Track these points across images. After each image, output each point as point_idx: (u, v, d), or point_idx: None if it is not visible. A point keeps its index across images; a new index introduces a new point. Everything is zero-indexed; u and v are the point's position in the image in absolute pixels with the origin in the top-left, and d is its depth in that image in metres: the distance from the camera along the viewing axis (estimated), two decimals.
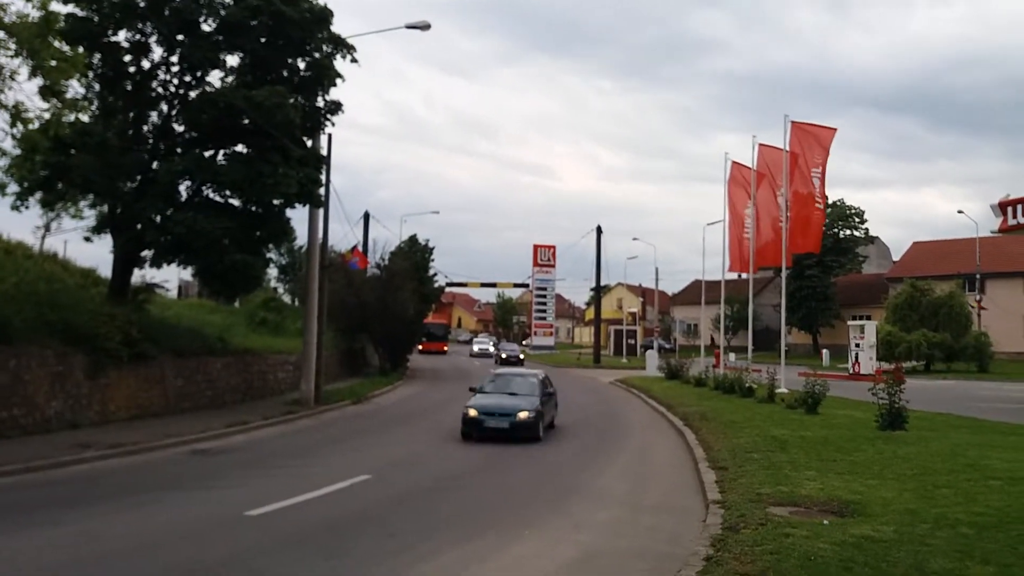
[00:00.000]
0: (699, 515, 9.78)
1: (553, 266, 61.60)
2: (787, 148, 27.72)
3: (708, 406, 21.67)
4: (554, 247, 62.01)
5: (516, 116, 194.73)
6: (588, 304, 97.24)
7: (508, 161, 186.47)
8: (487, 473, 13.28)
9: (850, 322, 44.49)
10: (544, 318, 62.04)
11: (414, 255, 50.34)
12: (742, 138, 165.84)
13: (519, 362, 49.26)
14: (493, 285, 69.98)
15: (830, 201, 55.59)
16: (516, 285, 68.71)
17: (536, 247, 61.44)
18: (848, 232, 66.44)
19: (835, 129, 28.27)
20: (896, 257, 73.06)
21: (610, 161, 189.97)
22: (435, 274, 54.62)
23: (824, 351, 52.48)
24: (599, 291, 60.58)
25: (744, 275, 39.51)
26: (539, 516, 9.83)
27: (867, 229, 68.27)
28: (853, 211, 66.86)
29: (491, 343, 67.95)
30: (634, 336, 68.59)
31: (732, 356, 43.09)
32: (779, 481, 10.83)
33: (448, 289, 61.23)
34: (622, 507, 10.55)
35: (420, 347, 58.38)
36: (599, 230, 56.70)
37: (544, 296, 61.73)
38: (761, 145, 30.01)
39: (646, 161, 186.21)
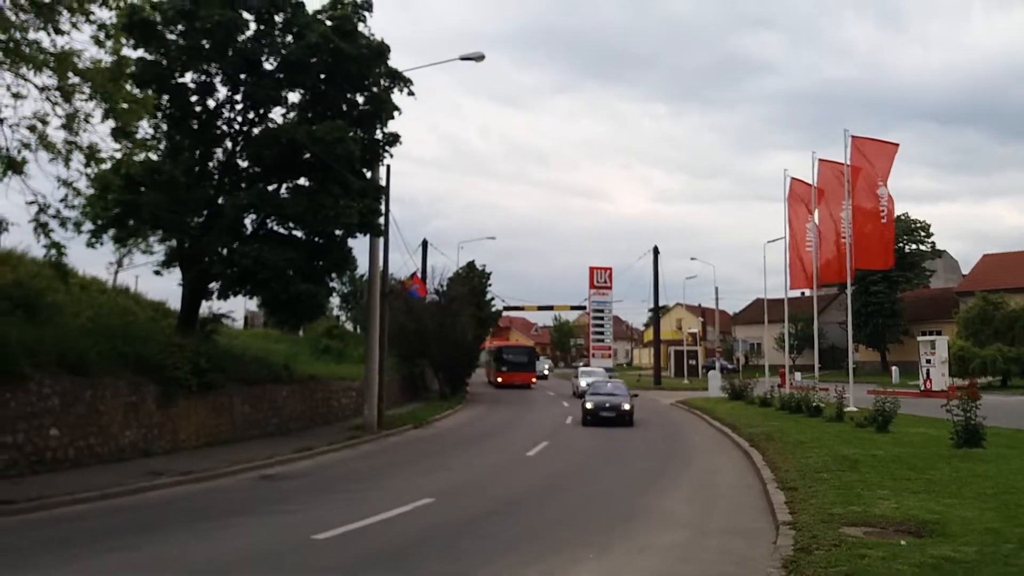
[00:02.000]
0: (769, 537, 9.56)
1: (610, 288, 61.23)
2: (848, 162, 27.19)
3: (774, 426, 21.19)
4: (610, 269, 61.68)
5: (569, 143, 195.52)
6: (647, 325, 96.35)
7: (562, 187, 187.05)
8: (549, 496, 13.20)
9: (920, 338, 43.06)
10: (602, 340, 61.50)
11: (472, 280, 50.68)
12: (798, 156, 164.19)
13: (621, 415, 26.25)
14: (550, 308, 69.96)
15: (895, 216, 54.17)
16: (573, 307, 68.56)
17: (592, 269, 61.15)
18: (914, 246, 64.60)
19: (897, 145, 27.65)
20: (965, 271, 70.62)
21: (664, 183, 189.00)
22: (492, 299, 54.89)
23: (893, 368, 50.91)
24: (658, 312, 60.02)
25: (807, 292, 38.67)
26: (602, 539, 9.71)
27: (933, 243, 66.31)
28: (918, 225, 65.03)
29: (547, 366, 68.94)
30: (695, 357, 67.58)
31: (798, 375, 42.13)
32: (851, 501, 10.52)
33: (505, 313, 61.36)
34: (688, 530, 10.37)
35: (498, 379, 52.11)
36: (656, 251, 56.31)
37: (602, 318, 61.27)
38: (821, 161, 29.50)
39: (700, 182, 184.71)
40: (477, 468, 16.55)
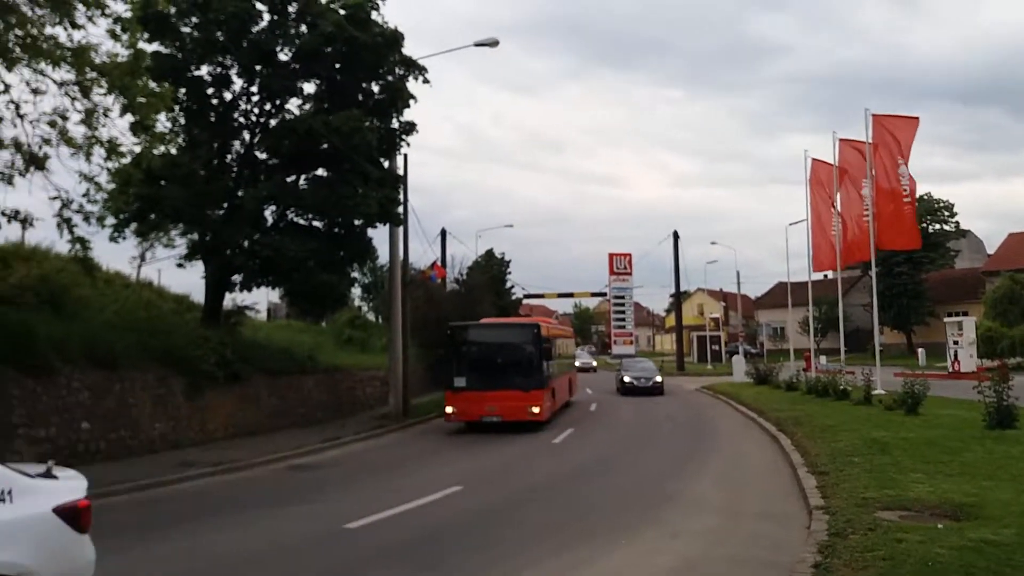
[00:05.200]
0: (802, 521, 9.43)
1: (630, 274, 60.86)
2: (869, 141, 26.78)
3: (802, 410, 20.98)
4: (630, 255, 61.17)
5: (583, 130, 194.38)
6: (668, 311, 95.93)
7: (578, 174, 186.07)
8: (576, 482, 13.14)
9: (946, 319, 42.45)
10: (623, 326, 61.15)
11: (491, 269, 50.69)
12: (816, 138, 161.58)
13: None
14: (570, 295, 69.52)
15: (917, 196, 53.35)
16: (593, 294, 67.99)
17: (611, 256, 60.74)
18: (937, 226, 63.54)
19: (917, 119, 27.12)
20: (990, 250, 69.50)
21: (681, 168, 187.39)
22: (512, 287, 54.87)
23: (920, 350, 50.29)
24: (679, 297, 59.66)
25: (831, 275, 38.22)
26: (633, 525, 9.64)
27: (957, 223, 65.19)
28: (941, 204, 64.00)
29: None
30: (718, 342, 67.17)
31: (823, 359, 41.73)
32: (884, 485, 10.36)
33: (525, 301, 61.24)
34: (719, 514, 10.27)
35: (447, 408, 20.85)
36: (675, 235, 55.91)
37: (622, 304, 60.90)
38: (842, 141, 29.05)
39: (718, 166, 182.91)
40: (503, 456, 16.53)
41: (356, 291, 51.14)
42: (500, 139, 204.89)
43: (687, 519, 9.98)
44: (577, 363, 58.35)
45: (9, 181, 12.88)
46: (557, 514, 10.52)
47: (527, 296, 59.55)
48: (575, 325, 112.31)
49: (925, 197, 61.85)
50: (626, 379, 33.84)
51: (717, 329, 70.92)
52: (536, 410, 19.91)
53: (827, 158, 29.97)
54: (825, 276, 42.54)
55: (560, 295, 66.11)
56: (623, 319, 60.37)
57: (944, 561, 6.80)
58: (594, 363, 61.52)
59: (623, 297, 60.72)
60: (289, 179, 21.36)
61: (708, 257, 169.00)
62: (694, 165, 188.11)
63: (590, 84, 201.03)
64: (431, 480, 12.97)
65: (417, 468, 14.81)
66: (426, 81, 22.50)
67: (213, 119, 20.68)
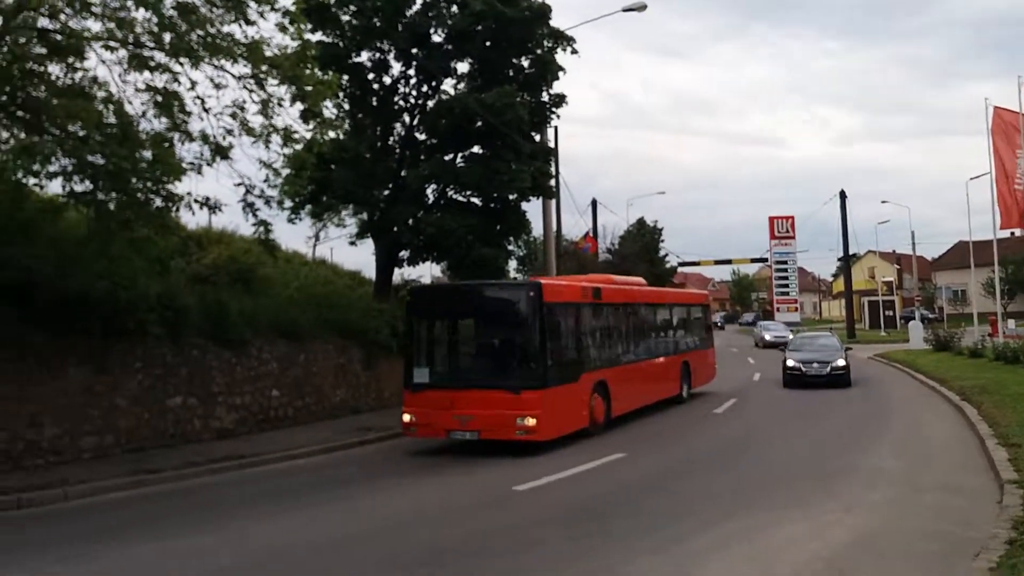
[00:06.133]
0: (992, 495, 8.83)
1: (793, 237, 58.16)
2: None
3: (989, 378, 19.46)
4: (792, 217, 58.47)
5: (736, 90, 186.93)
6: (835, 276, 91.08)
7: (731, 136, 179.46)
8: (740, 453, 12.90)
9: None
10: (787, 293, 58.66)
11: (643, 237, 50.10)
12: (994, 85, 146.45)
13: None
14: (728, 262, 67.58)
15: None
16: (753, 260, 65.69)
17: (772, 219, 58.28)
18: None
19: None
20: None
21: (843, 123, 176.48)
22: (666, 255, 53.96)
23: None
24: (848, 260, 56.42)
25: (1018, 232, 34.89)
26: (804, 496, 9.37)
27: None
28: None
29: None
30: (892, 307, 63.06)
31: (1011, 323, 38.35)
32: None
33: (680, 269, 60.04)
34: (899, 487, 9.79)
35: (403, 415, 13.76)
36: (843, 195, 52.75)
37: (785, 270, 58.40)
38: None
39: (883, 119, 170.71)
40: (665, 424, 16.45)
41: (512, 263, 52.14)
42: (649, 105, 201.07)
43: (863, 492, 9.59)
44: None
45: (199, 171, 14.03)
46: (721, 483, 10.42)
47: (682, 264, 58.39)
48: (733, 293, 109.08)
49: None
50: (790, 363, 22.52)
51: (890, 293, 66.48)
52: (531, 422, 12.40)
53: (1014, 105, 27.25)
54: (1012, 234, 38.79)
55: (717, 262, 64.34)
56: (786, 285, 58.01)
57: None
58: (719, 321, 60.48)
59: (786, 262, 58.29)
60: (447, 158, 22.04)
61: (878, 217, 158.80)
62: (857, 120, 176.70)
63: (741, 42, 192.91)
64: (595, 446, 13.17)
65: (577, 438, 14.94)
66: (574, 52, 22.44)
67: (375, 103, 21.65)
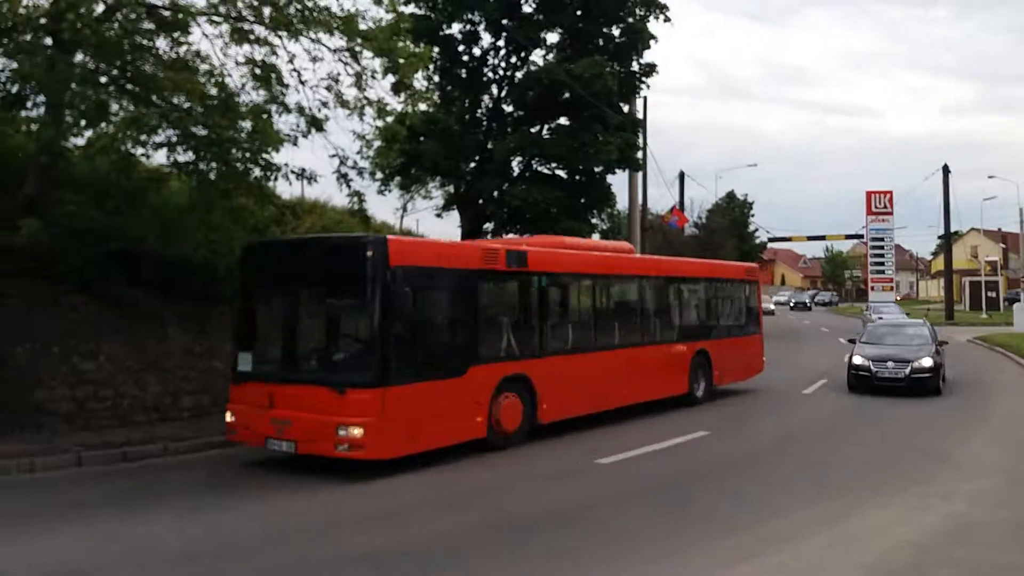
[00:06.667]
0: None
1: (890, 213, 55.69)
2: None
3: None
4: (890, 192, 55.84)
5: (832, 58, 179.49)
6: (935, 254, 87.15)
7: (827, 106, 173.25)
8: (828, 436, 12.58)
9: None
10: (882, 271, 56.28)
11: (732, 211, 49.07)
12: None
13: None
14: (821, 238, 65.07)
15: None
16: (848, 236, 63.15)
17: (869, 194, 55.85)
18: None
19: None
20: None
21: (949, 94, 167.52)
22: (756, 230, 52.69)
23: None
24: (949, 238, 53.85)
25: None
26: (894, 482, 9.10)
27: None
28: None
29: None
30: (995, 288, 59.91)
31: None
32: None
33: (770, 245, 58.52)
34: (998, 476, 9.40)
35: (226, 413, 10.48)
36: (945, 169, 50.21)
37: (881, 247, 56.01)
38: None
39: (995, 89, 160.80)
40: (750, 404, 16.17)
41: (595, 237, 51.90)
42: (740, 74, 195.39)
43: (959, 480, 9.25)
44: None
45: (295, 142, 14.46)
46: (806, 466, 10.23)
47: (772, 239, 56.86)
48: (826, 271, 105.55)
49: None
50: (858, 359, 17.16)
51: (994, 274, 63.12)
52: (357, 433, 9.00)
53: None
54: None
55: (810, 238, 62.16)
56: (882, 263, 55.76)
57: None
58: (771, 306, 56.49)
59: (882, 239, 55.99)
60: (533, 130, 22.07)
61: (984, 193, 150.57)
62: (965, 90, 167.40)
63: (839, 8, 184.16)
64: (679, 422, 13.12)
65: (662, 410, 14.82)
66: (667, 20, 22.05)
67: (464, 75, 21.83)
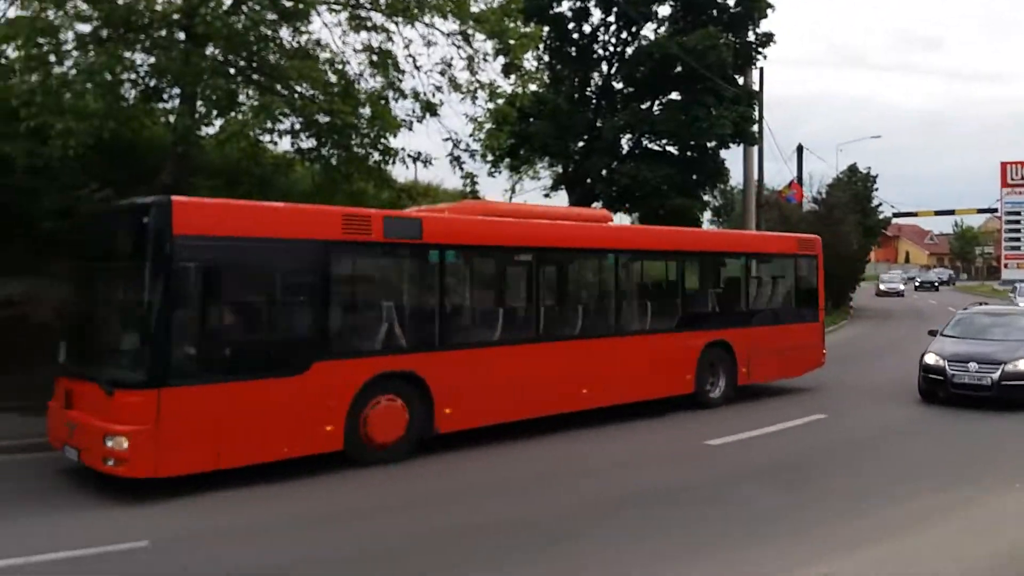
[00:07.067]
0: None
1: None
2: None
3: None
4: None
5: (966, 21, 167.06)
6: None
7: (959, 73, 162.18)
8: (957, 422, 11.92)
9: None
10: (1018, 247, 52.46)
11: (854, 185, 46.80)
12: None
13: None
14: (951, 212, 61.28)
15: None
16: (980, 211, 59.29)
17: (1004, 164, 52.07)
18: None
19: None
20: None
21: None
22: (879, 204, 50.12)
23: None
24: None
25: None
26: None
27: None
28: None
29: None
30: None
31: None
32: None
33: (895, 220, 55.61)
34: None
35: None
36: None
37: (1017, 222, 52.17)
38: None
39: None
40: (868, 386, 15.57)
41: (706, 214, 50.79)
42: (863, 41, 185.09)
43: None
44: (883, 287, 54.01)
45: (410, 127, 14.88)
46: (933, 452, 9.84)
47: (896, 215, 54.02)
48: (955, 247, 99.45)
49: None
50: (931, 359, 13.17)
51: None
52: (122, 445, 7.22)
53: None
54: None
55: (937, 213, 58.69)
56: (1018, 239, 52.13)
57: None
58: (901, 287, 56.62)
59: (1019, 213, 52.28)
60: (643, 106, 21.80)
61: None
62: None
63: None
64: (794, 405, 12.85)
65: (779, 393, 14.46)
66: None
67: (574, 54, 21.77)
